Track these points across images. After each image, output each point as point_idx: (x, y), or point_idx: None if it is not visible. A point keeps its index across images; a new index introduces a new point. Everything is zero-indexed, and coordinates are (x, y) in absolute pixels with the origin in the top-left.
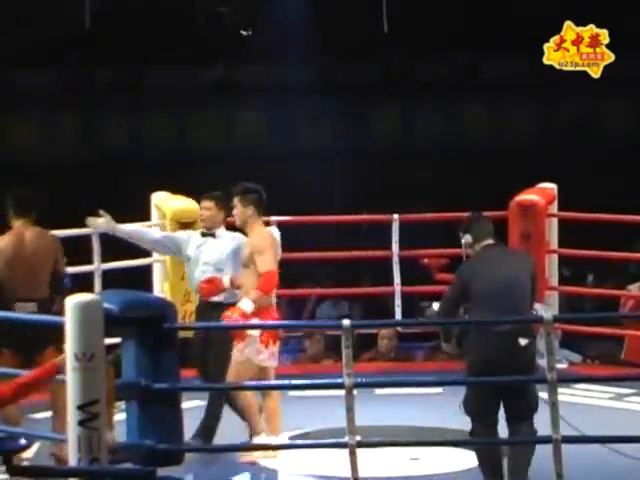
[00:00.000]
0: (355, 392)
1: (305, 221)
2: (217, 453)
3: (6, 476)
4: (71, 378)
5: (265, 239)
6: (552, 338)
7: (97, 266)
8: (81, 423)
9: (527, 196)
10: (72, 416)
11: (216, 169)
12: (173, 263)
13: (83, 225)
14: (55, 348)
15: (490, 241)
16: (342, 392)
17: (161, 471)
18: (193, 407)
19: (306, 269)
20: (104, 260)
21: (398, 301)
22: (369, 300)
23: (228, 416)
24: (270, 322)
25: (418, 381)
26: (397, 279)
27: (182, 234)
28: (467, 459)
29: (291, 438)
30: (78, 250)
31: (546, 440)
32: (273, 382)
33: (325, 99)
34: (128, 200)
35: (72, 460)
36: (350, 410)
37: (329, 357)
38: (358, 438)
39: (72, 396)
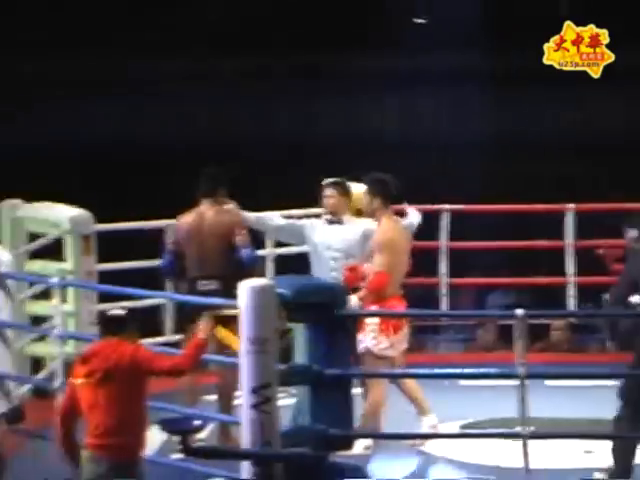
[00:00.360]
0: (527, 383)
1: (479, 210)
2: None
3: (180, 455)
4: (245, 362)
5: (387, 235)
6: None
7: (270, 251)
8: (254, 406)
9: None
10: (245, 399)
11: (391, 156)
12: None
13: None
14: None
15: None
16: (513, 382)
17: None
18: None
19: (479, 258)
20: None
21: (572, 292)
22: (539, 291)
23: (396, 401)
24: (446, 311)
25: (592, 373)
26: (571, 269)
27: (306, 222)
28: None
29: (462, 427)
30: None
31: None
32: (444, 371)
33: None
34: (301, 186)
35: (245, 443)
36: (523, 400)
37: (500, 347)
38: (531, 429)
39: (246, 379)
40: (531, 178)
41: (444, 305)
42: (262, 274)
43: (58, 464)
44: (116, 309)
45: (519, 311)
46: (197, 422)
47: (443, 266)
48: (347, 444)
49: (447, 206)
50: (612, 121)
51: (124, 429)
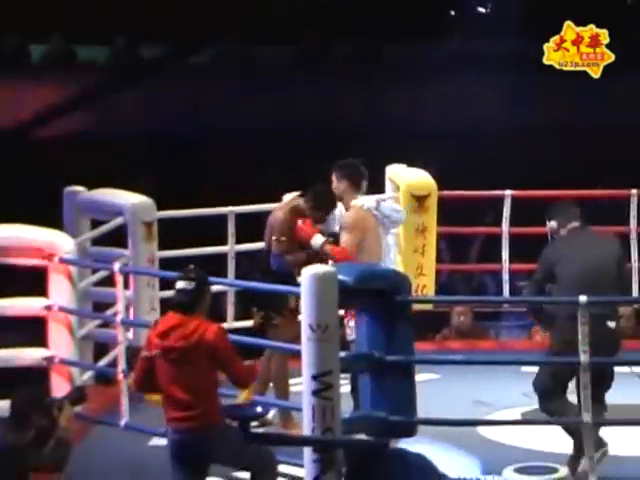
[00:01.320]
0: None
1: (541, 195)
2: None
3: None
4: (306, 348)
5: (358, 215)
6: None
7: (231, 247)
8: (315, 393)
9: None
10: (306, 386)
11: (442, 143)
12: (407, 235)
13: None
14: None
15: (576, 224)
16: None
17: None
18: (426, 380)
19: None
20: None
21: (637, 277)
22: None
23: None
24: (508, 297)
25: None
26: (635, 256)
27: None
28: None
29: (524, 414)
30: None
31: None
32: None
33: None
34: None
35: (306, 429)
36: (586, 387)
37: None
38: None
39: (307, 366)
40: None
41: (506, 291)
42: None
43: (121, 450)
44: (183, 282)
45: (582, 298)
46: (258, 409)
47: (505, 252)
48: (409, 430)
49: (509, 192)
50: None
51: (204, 400)
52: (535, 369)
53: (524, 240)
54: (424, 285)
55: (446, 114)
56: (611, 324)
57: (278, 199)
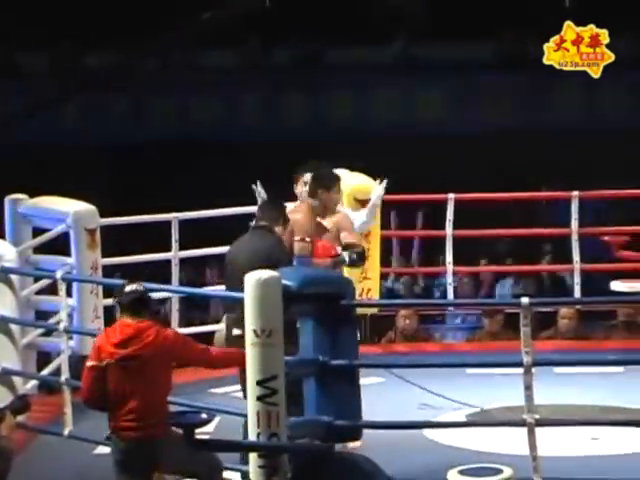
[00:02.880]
0: (534, 370)
1: (483, 198)
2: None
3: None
4: (250, 354)
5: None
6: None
7: (175, 254)
8: (260, 398)
9: None
10: (251, 391)
11: (394, 148)
12: None
13: None
14: None
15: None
16: (521, 370)
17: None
18: (371, 384)
19: (485, 247)
20: None
21: (577, 279)
22: (547, 279)
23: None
24: (452, 300)
25: (599, 359)
26: (576, 257)
27: None
28: None
29: (469, 416)
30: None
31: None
32: (451, 359)
33: (505, 76)
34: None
35: (251, 435)
36: (529, 388)
37: (507, 335)
38: (537, 416)
39: (251, 372)
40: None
41: (450, 294)
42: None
43: (65, 459)
44: (132, 284)
45: (524, 299)
46: (203, 416)
47: (449, 255)
48: (355, 435)
49: (452, 195)
50: None
51: (156, 410)
52: (481, 370)
53: (467, 242)
54: (369, 289)
55: (391, 118)
56: (236, 331)
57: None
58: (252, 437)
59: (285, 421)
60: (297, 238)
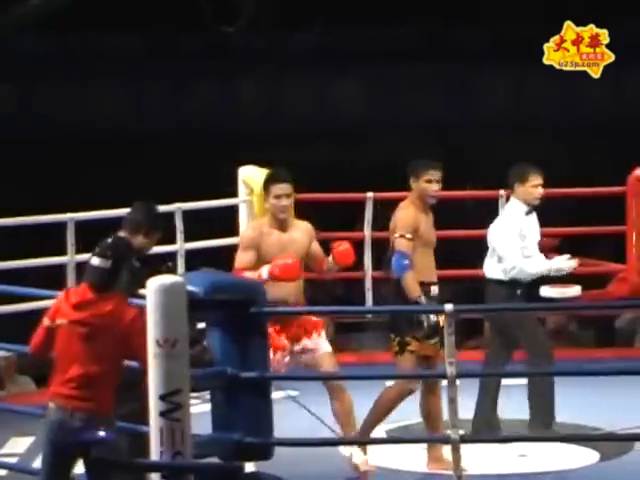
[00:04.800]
0: (458, 383)
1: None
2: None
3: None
4: (153, 366)
5: (244, 234)
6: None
7: (180, 245)
8: (163, 414)
9: None
10: (154, 407)
11: (309, 142)
12: None
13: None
14: None
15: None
16: (445, 382)
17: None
18: (284, 397)
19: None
20: (187, 239)
21: None
22: (467, 283)
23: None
24: (371, 307)
25: (527, 371)
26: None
27: None
28: (580, 456)
29: (389, 432)
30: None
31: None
32: (371, 372)
33: (432, 65)
34: (207, 173)
35: (154, 453)
36: (453, 402)
37: None
38: (462, 432)
39: (153, 385)
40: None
41: (369, 301)
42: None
43: None
44: (98, 259)
45: (448, 306)
46: (100, 433)
47: (367, 259)
48: (266, 453)
49: (370, 194)
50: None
51: (99, 386)
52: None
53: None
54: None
55: (305, 110)
56: None
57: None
58: (154, 456)
59: (191, 438)
60: (396, 235)
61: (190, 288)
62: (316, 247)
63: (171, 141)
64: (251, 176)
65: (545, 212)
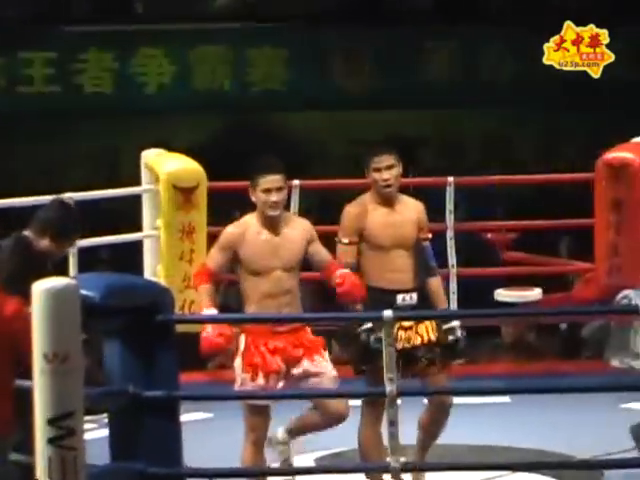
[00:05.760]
0: (400, 402)
1: (330, 186)
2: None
3: None
4: (39, 384)
5: (225, 231)
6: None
7: None
8: (52, 441)
9: (618, 153)
10: (40, 433)
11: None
12: (169, 238)
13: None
14: None
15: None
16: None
17: None
18: (196, 420)
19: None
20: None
21: (454, 286)
22: None
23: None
24: (298, 315)
25: (480, 388)
26: (452, 260)
27: None
28: None
29: (318, 460)
30: None
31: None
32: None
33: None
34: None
35: None
36: (393, 424)
37: None
38: (403, 459)
39: (40, 407)
40: None
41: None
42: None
43: None
44: None
45: (387, 312)
46: None
47: None
48: None
49: (297, 181)
50: None
51: None
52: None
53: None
54: (192, 301)
55: (212, 79)
56: None
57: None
58: None
59: (85, 470)
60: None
61: (84, 292)
62: (317, 249)
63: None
64: (155, 160)
65: (499, 202)
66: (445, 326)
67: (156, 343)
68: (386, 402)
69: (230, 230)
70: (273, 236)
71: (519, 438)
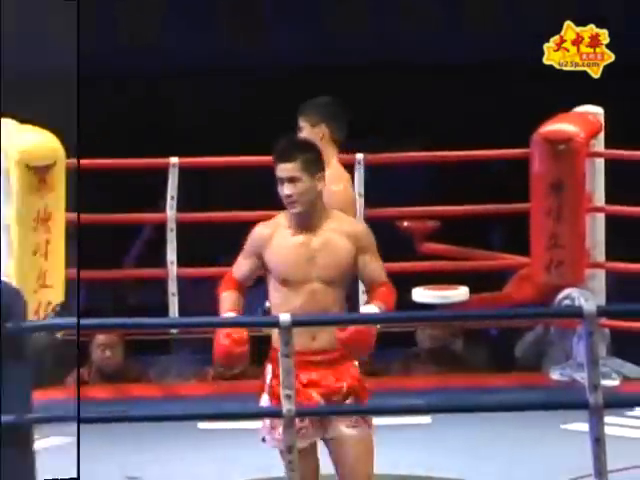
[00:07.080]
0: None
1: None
2: None
3: None
4: None
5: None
6: (597, 339)
7: None
8: None
9: (558, 126)
10: None
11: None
12: (21, 227)
13: None
14: None
15: None
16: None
17: None
18: (54, 446)
19: (232, 237)
20: None
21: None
22: None
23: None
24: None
25: (392, 407)
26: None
27: None
28: None
29: None
30: None
31: None
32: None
33: None
34: None
35: None
36: (291, 450)
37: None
38: None
39: None
40: None
41: (174, 308)
42: None
43: None
44: None
45: (285, 316)
46: None
47: (171, 252)
48: None
49: (175, 159)
50: None
51: None
52: (221, 425)
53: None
54: (49, 302)
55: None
56: None
57: None
58: None
59: None
60: None
61: None
62: (367, 262)
63: None
64: (4, 134)
65: (417, 184)
66: None
67: (5, 356)
68: (283, 424)
69: (257, 230)
70: (309, 240)
71: (441, 465)
